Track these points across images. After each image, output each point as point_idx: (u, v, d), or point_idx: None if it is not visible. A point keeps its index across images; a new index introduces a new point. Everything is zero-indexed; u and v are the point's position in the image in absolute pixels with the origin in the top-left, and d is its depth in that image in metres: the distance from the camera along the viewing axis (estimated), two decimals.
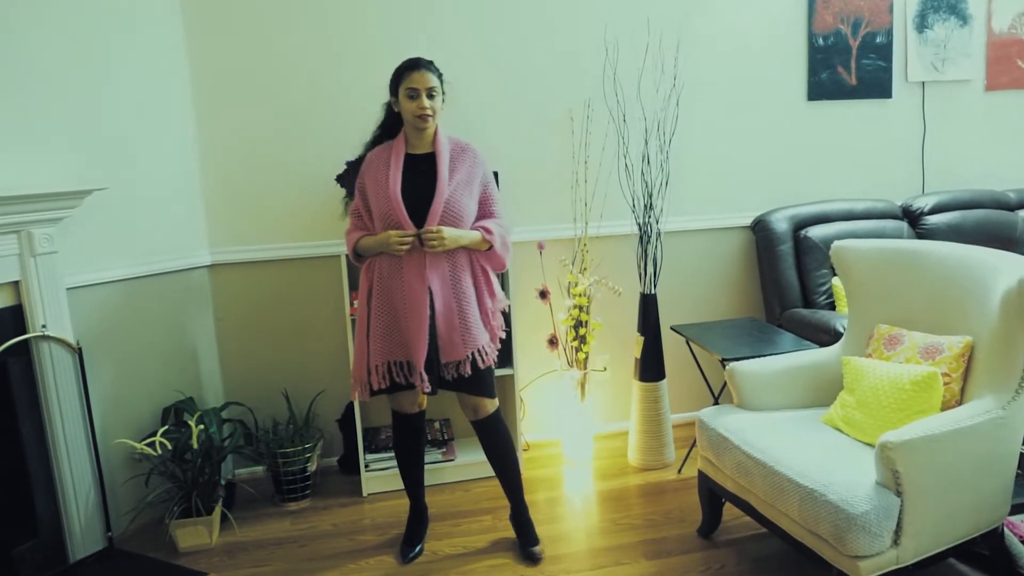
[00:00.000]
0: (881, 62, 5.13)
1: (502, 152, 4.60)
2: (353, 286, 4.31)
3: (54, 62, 3.67)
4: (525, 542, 3.71)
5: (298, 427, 4.35)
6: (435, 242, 3.32)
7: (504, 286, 4.30)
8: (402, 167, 3.44)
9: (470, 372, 3.45)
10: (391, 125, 3.59)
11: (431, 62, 3.43)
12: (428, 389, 3.42)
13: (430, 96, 3.38)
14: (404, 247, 3.34)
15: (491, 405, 3.59)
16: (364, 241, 3.51)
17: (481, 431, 3.64)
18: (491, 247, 3.48)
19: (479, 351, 3.46)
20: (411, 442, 3.76)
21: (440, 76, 3.44)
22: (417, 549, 3.75)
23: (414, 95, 3.36)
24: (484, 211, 3.54)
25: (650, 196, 4.51)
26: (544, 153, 4.69)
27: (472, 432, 4.16)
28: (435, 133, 3.48)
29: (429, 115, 3.38)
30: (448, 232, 3.34)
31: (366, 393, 3.54)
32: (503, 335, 3.60)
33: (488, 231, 3.46)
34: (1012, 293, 2.94)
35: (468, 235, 3.42)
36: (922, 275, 3.41)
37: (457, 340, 3.43)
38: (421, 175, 3.43)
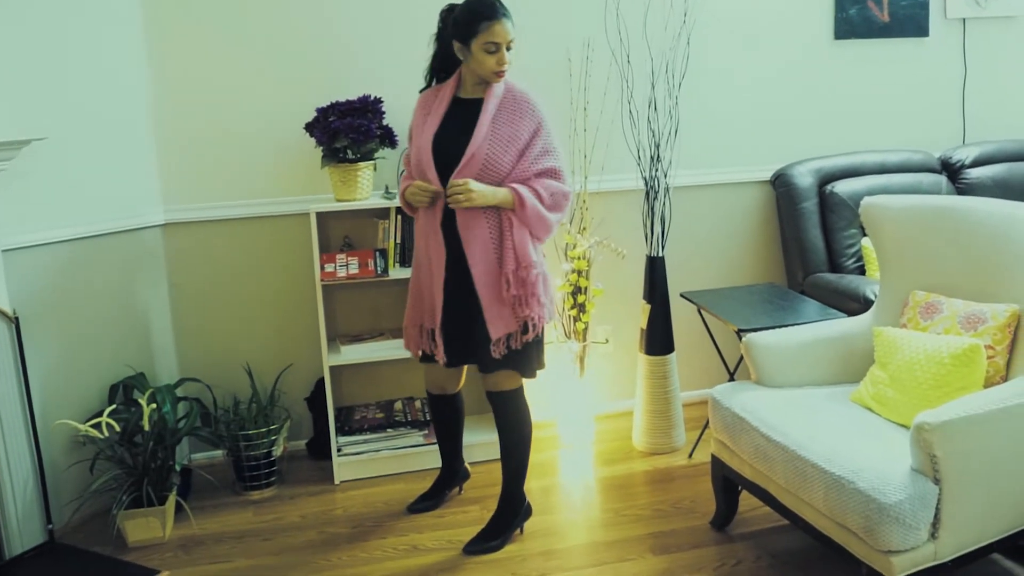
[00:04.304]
0: None
1: None
2: (324, 247, 4.27)
3: None
4: (474, 538, 3.70)
5: (262, 406, 4.31)
6: (460, 196, 3.29)
7: None
8: (444, 113, 3.46)
9: (506, 351, 3.47)
10: (447, 66, 3.56)
11: (507, 8, 3.37)
12: (443, 360, 3.53)
13: (509, 49, 3.35)
14: (422, 200, 3.42)
15: (507, 382, 3.56)
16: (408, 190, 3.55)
17: (491, 405, 3.66)
18: (522, 206, 3.37)
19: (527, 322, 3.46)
20: (440, 421, 3.97)
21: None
22: (423, 504, 4.01)
23: (493, 49, 3.32)
24: (524, 168, 3.43)
25: (657, 147, 4.45)
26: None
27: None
28: None
29: (506, 72, 3.38)
30: (477, 187, 3.31)
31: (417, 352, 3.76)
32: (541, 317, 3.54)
33: (515, 191, 3.37)
34: None
35: (502, 192, 3.37)
36: (963, 236, 3.38)
37: (507, 312, 3.43)
38: (466, 122, 3.40)
